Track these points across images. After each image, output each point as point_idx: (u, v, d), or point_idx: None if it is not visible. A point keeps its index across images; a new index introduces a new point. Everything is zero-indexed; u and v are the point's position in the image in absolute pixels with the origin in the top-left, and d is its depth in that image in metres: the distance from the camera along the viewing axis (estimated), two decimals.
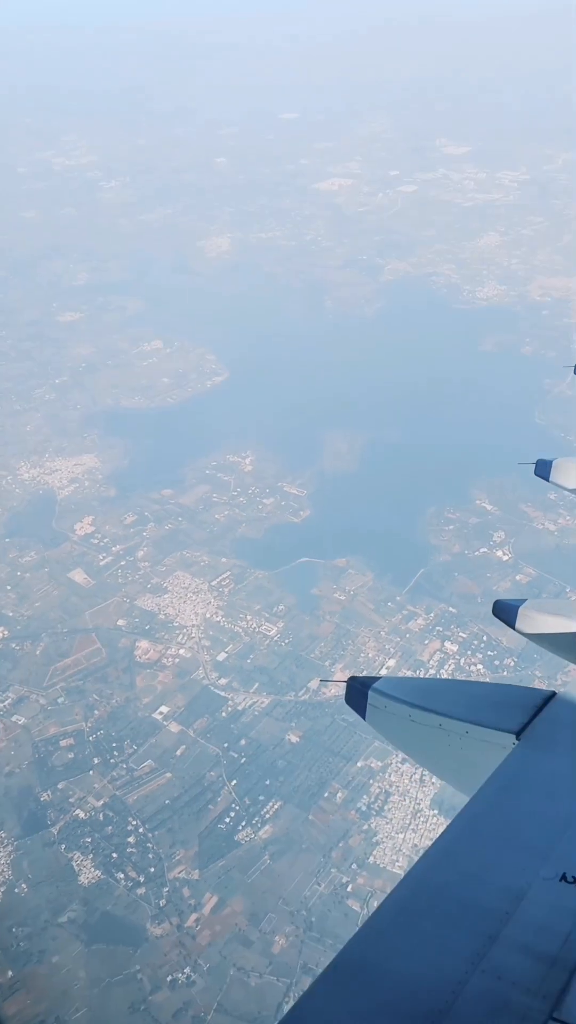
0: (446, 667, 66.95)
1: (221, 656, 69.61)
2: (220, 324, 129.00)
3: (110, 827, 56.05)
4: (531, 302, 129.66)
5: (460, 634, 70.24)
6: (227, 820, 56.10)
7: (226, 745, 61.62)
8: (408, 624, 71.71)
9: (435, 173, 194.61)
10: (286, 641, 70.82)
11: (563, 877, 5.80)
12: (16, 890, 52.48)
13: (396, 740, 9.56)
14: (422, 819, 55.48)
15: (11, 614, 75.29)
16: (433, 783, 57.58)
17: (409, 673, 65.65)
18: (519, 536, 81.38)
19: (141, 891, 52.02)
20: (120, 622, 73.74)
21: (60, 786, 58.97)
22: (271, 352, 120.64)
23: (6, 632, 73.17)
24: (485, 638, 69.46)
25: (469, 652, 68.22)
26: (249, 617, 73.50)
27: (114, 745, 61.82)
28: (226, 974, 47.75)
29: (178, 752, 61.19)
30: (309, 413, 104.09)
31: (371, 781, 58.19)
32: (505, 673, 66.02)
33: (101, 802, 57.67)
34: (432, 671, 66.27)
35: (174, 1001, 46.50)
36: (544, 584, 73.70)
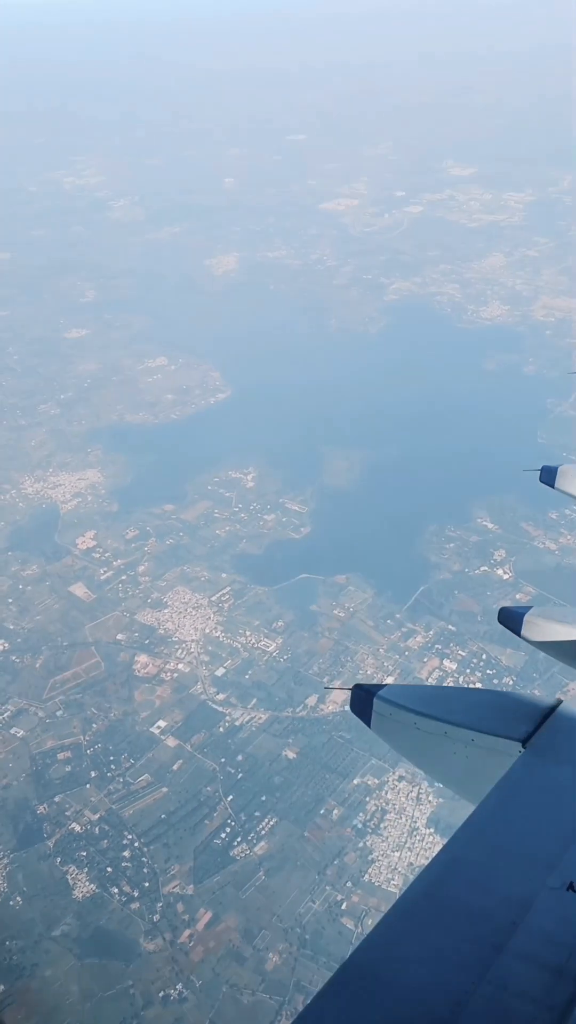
0: (445, 685, 66.84)
1: (219, 671, 69.72)
2: (225, 341, 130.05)
3: (105, 841, 56.03)
4: (535, 322, 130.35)
5: (459, 652, 70.22)
6: (223, 835, 56.01)
7: (223, 760, 61.60)
8: (407, 642, 71.73)
9: (441, 194, 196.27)
10: (285, 657, 70.90)
11: (570, 887, 5.75)
12: (11, 903, 52.42)
13: (401, 748, 9.44)
14: (418, 838, 55.28)
15: (12, 627, 75.60)
16: (430, 801, 57.49)
17: None
18: (520, 555, 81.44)
19: (135, 906, 51.91)
20: (120, 636, 73.96)
21: (57, 799, 59.00)
22: (274, 369, 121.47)
23: (6, 645, 73.46)
24: (484, 656, 69.44)
25: (468, 670, 68.17)
26: (248, 633, 73.64)
27: (111, 759, 61.86)
28: (218, 991, 47.53)
29: (175, 767, 61.18)
30: (311, 430, 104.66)
31: (367, 799, 58.05)
32: None
33: (97, 816, 57.67)
34: None
35: (165, 1017, 46.27)
36: (544, 603, 73.61)
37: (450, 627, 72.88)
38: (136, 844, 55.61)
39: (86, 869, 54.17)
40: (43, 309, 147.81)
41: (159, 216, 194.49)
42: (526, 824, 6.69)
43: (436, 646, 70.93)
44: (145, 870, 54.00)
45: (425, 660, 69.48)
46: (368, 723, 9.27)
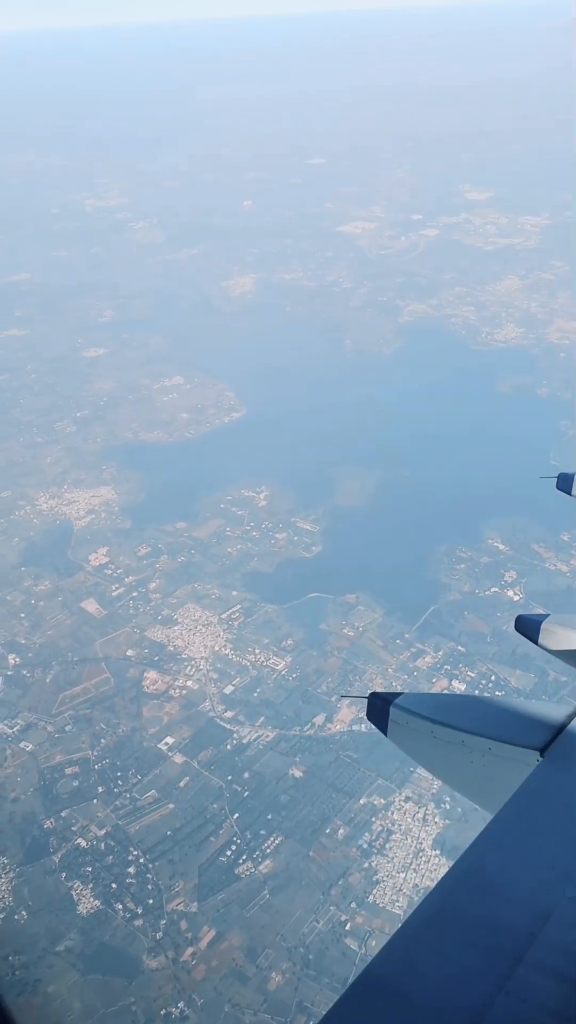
0: None
1: (228, 689, 69.89)
2: (240, 361, 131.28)
3: (111, 857, 56.09)
4: (549, 345, 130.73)
5: (468, 673, 70.06)
6: (228, 853, 55.94)
7: (230, 778, 61.63)
8: (416, 662, 71.66)
9: (457, 217, 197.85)
10: (293, 676, 70.99)
11: None
12: (16, 917, 52.54)
13: (418, 756, 9.31)
14: (424, 859, 54.95)
15: (24, 641, 76.24)
16: (436, 823, 57.20)
17: None
18: (531, 576, 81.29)
19: (139, 923, 51.86)
20: (129, 652, 74.38)
21: (63, 814, 59.20)
22: (289, 389, 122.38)
23: (18, 659, 74.06)
24: (493, 677, 69.24)
25: (477, 691, 67.94)
26: (257, 651, 73.84)
27: (118, 774, 62.07)
28: (220, 1010, 47.30)
29: (182, 783, 61.29)
30: (324, 450, 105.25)
31: (373, 819, 57.85)
32: None
33: (103, 831, 57.80)
34: None
35: None
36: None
37: (459, 648, 72.77)
38: (141, 860, 55.66)
39: (91, 884, 54.23)
40: (62, 328, 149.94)
41: (178, 237, 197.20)
42: (544, 834, 6.60)
43: (445, 667, 70.82)
44: (149, 887, 53.99)
45: (434, 681, 69.34)
46: (385, 731, 9.24)
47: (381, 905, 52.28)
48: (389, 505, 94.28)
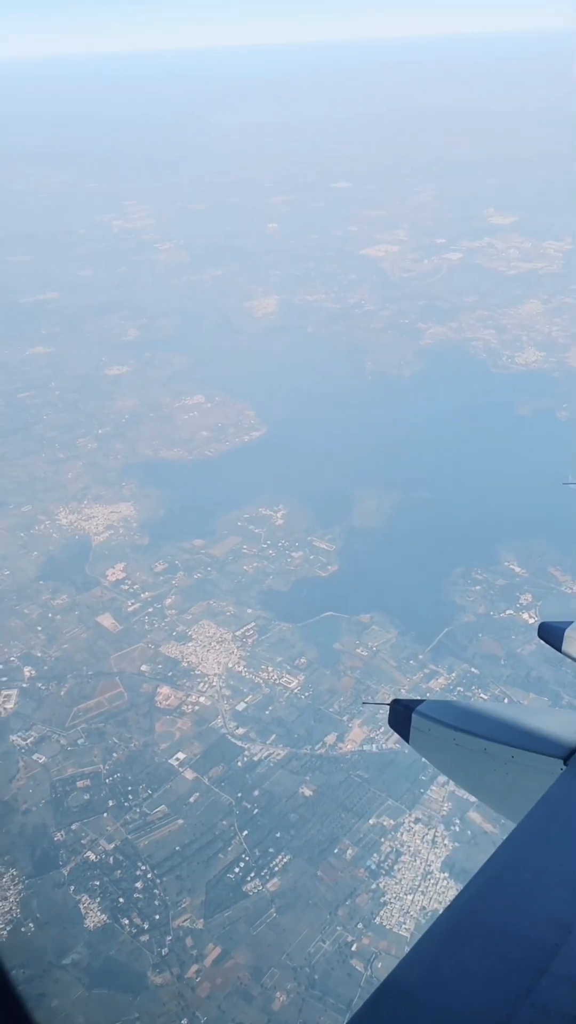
0: None
1: (240, 706, 70.02)
2: (261, 381, 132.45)
3: (119, 871, 56.20)
4: (569, 368, 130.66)
5: (481, 695, 69.65)
6: (236, 870, 55.85)
7: (239, 795, 61.63)
8: (429, 683, 71.42)
9: (480, 242, 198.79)
10: (306, 694, 71.00)
11: None
12: (23, 929, 52.74)
13: (440, 764, 9.26)
14: (432, 881, 54.53)
15: (40, 654, 76.93)
16: (446, 845, 56.80)
17: None
18: (546, 599, 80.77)
19: (145, 938, 51.84)
20: (144, 667, 74.79)
21: (74, 827, 59.45)
22: (309, 410, 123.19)
23: (33, 672, 74.72)
24: (507, 700, 68.77)
25: None
26: (271, 668, 73.97)
27: (129, 789, 62.29)
28: None
29: (191, 799, 61.38)
30: (342, 470, 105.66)
31: (382, 839, 57.55)
32: None
33: (112, 845, 57.95)
34: None
35: None
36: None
37: (473, 670, 72.46)
38: (149, 875, 55.71)
39: (99, 899, 54.34)
40: (86, 346, 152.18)
41: (202, 259, 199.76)
42: (568, 843, 6.54)
43: (458, 688, 70.49)
44: (156, 902, 54.01)
45: None
46: (407, 738, 9.25)
47: (388, 927, 51.91)
48: (406, 526, 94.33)
